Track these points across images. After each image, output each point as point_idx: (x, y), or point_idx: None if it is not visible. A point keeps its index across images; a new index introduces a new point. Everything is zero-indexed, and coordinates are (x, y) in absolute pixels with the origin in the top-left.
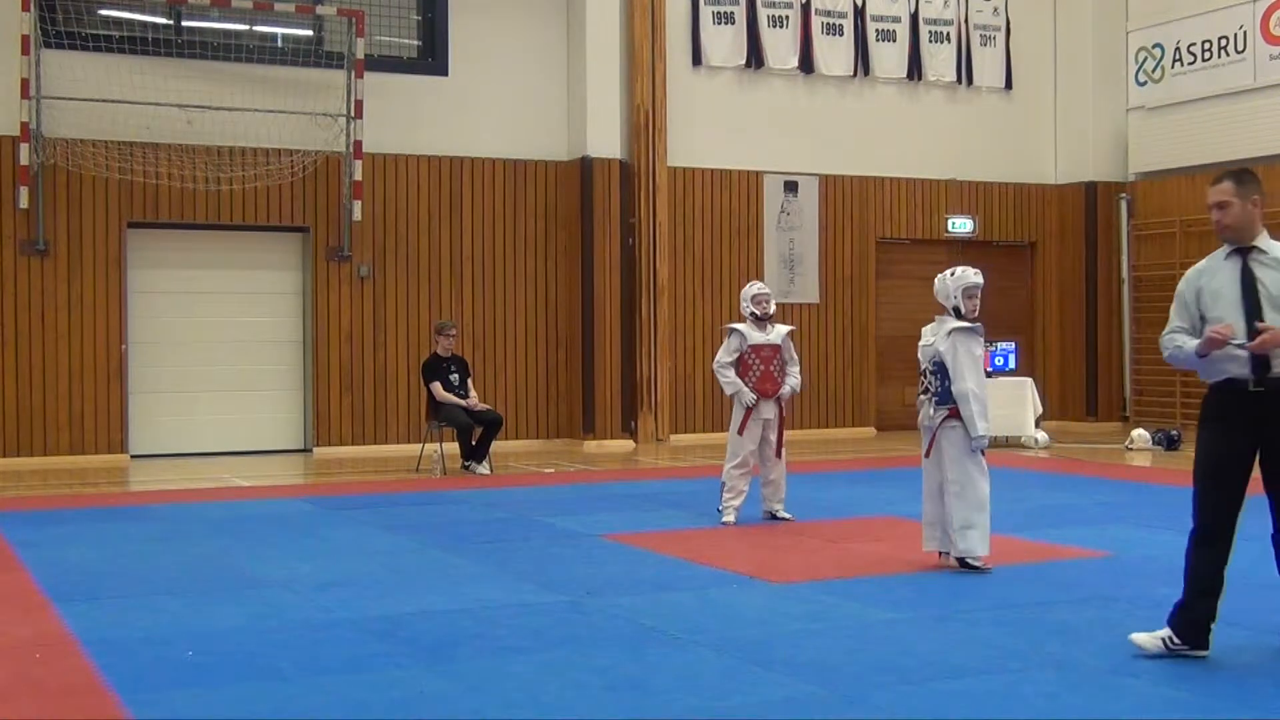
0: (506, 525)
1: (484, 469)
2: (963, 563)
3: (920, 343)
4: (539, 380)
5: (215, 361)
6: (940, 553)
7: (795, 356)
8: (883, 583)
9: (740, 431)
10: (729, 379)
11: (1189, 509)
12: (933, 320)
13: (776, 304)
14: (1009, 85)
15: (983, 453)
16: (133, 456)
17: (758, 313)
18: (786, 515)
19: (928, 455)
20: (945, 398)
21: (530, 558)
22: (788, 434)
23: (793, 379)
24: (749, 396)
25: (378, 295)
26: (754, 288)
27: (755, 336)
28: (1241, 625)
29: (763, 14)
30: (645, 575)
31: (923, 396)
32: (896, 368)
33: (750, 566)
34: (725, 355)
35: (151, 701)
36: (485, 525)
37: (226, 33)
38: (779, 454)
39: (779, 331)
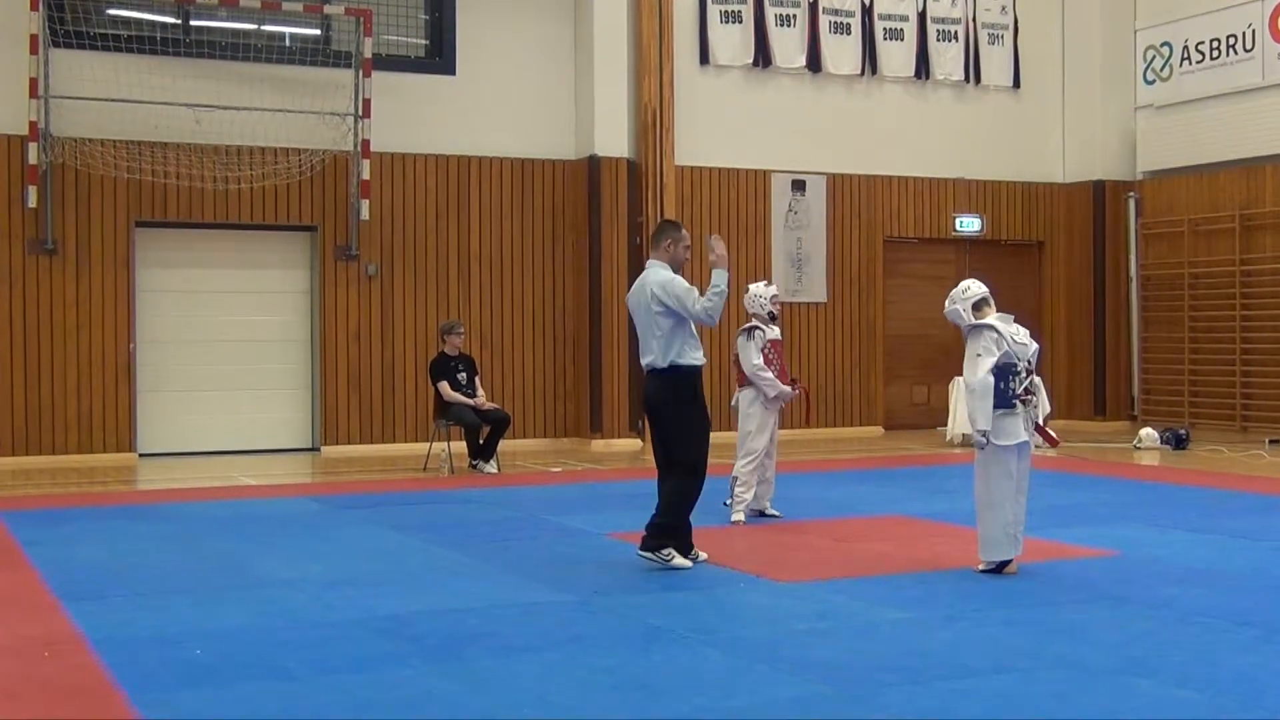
0: (514, 524)
1: (491, 468)
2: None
3: (1012, 338)
4: (546, 379)
5: (223, 360)
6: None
7: None
8: (890, 582)
9: (768, 432)
10: (767, 379)
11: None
12: (982, 317)
13: (785, 303)
14: (1017, 84)
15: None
16: (141, 455)
17: (775, 312)
18: (775, 512)
19: (1021, 460)
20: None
21: (537, 557)
22: (794, 432)
23: None
24: (790, 392)
25: (385, 294)
26: (768, 289)
27: (769, 332)
28: (1250, 624)
29: (770, 13)
30: (652, 574)
31: (1022, 403)
32: (904, 367)
33: (757, 566)
34: (757, 356)
35: (159, 700)
36: (492, 524)
37: (234, 32)
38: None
39: (776, 328)
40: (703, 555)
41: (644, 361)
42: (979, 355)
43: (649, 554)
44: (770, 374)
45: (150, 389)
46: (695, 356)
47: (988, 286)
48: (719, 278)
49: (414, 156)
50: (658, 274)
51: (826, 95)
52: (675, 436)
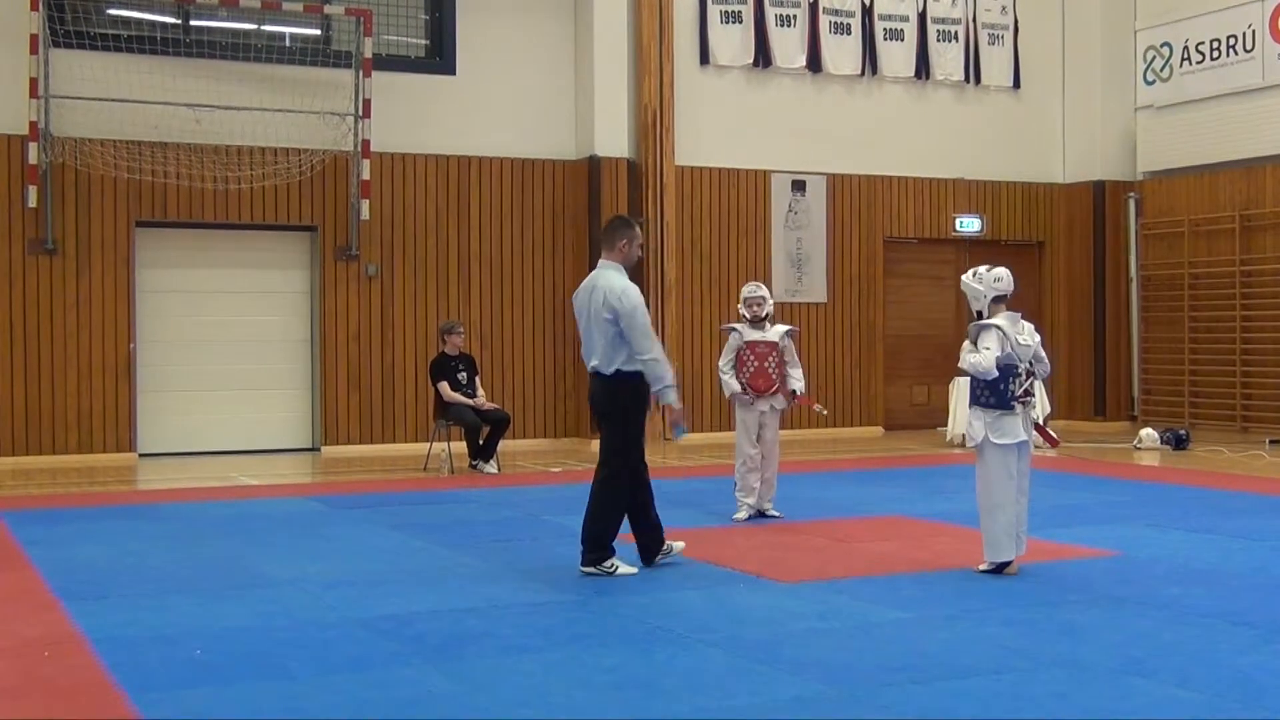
0: (514, 524)
1: (491, 468)
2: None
3: (1016, 339)
4: (546, 379)
5: (223, 360)
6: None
7: (795, 359)
8: (890, 582)
9: (751, 433)
10: (724, 379)
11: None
12: (990, 317)
13: (784, 303)
14: (1017, 84)
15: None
16: (141, 455)
17: (748, 315)
18: (776, 513)
19: (1021, 459)
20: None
21: (538, 557)
22: (794, 432)
23: (794, 381)
24: (738, 392)
25: (385, 294)
26: (745, 290)
27: (751, 334)
28: (1251, 625)
29: (770, 13)
30: (653, 574)
31: (1021, 404)
32: (904, 367)
33: (758, 566)
34: (723, 357)
35: (160, 700)
36: (493, 524)
37: (235, 32)
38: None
39: (777, 330)
40: (679, 545)
41: (589, 364)
42: (987, 348)
43: (592, 569)
44: (727, 375)
45: (150, 389)
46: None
47: None
48: (668, 395)
49: (414, 156)
50: (610, 278)
51: (826, 95)
52: (607, 440)
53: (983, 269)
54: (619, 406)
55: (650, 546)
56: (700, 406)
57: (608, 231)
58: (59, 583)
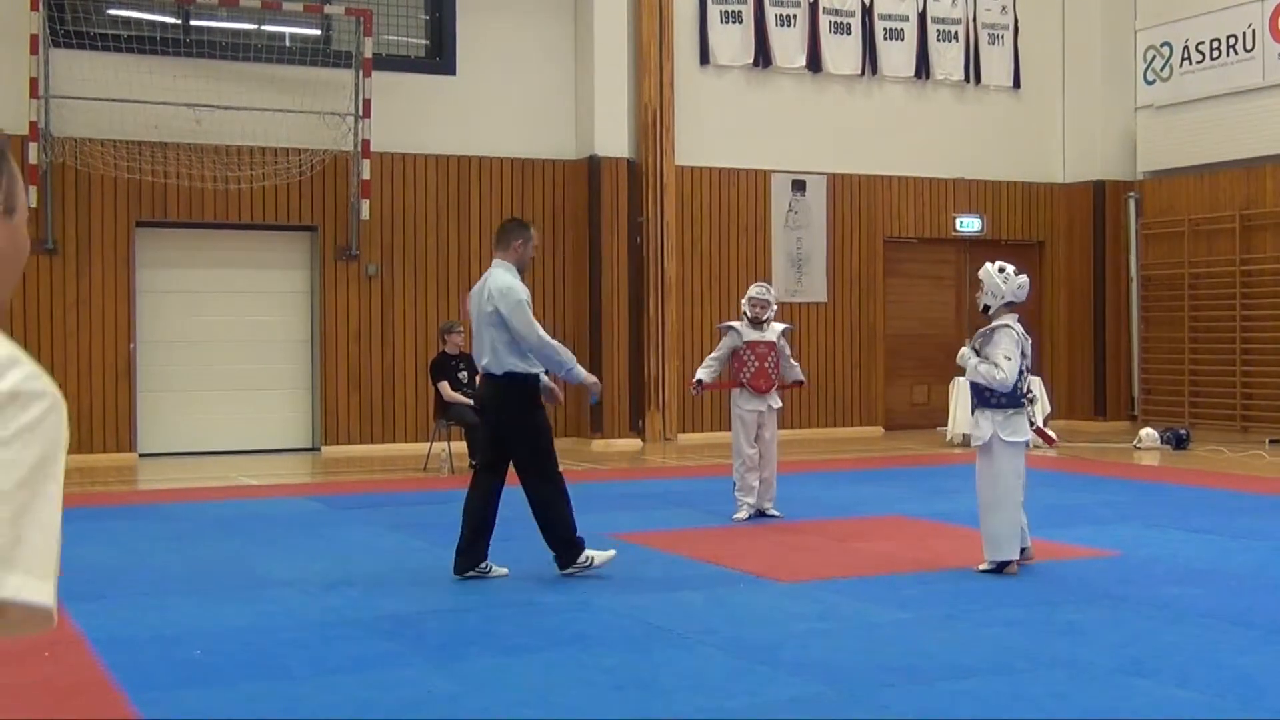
0: (513, 524)
1: None
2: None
3: (1022, 335)
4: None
5: (223, 360)
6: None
7: (789, 358)
8: (891, 582)
9: (745, 432)
10: (700, 370)
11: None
12: (998, 318)
13: (784, 303)
14: (1017, 84)
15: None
16: (141, 455)
17: (749, 315)
18: (776, 513)
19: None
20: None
21: (537, 557)
22: (794, 432)
23: (798, 372)
24: (701, 380)
25: (385, 294)
26: (752, 290)
27: (750, 334)
28: (1250, 624)
29: (770, 13)
30: (653, 574)
31: (1026, 401)
32: (904, 367)
33: (758, 566)
34: (714, 353)
35: (159, 700)
36: None
37: (235, 32)
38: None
39: (774, 329)
40: (502, 570)
41: (480, 364)
42: (1008, 359)
43: (572, 569)
44: (705, 369)
45: (150, 389)
46: (532, 364)
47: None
48: (575, 374)
49: (414, 156)
50: (499, 278)
51: (826, 95)
52: (520, 448)
53: (1010, 269)
54: (518, 410)
55: (468, 556)
56: (700, 407)
57: (502, 232)
58: (59, 583)
